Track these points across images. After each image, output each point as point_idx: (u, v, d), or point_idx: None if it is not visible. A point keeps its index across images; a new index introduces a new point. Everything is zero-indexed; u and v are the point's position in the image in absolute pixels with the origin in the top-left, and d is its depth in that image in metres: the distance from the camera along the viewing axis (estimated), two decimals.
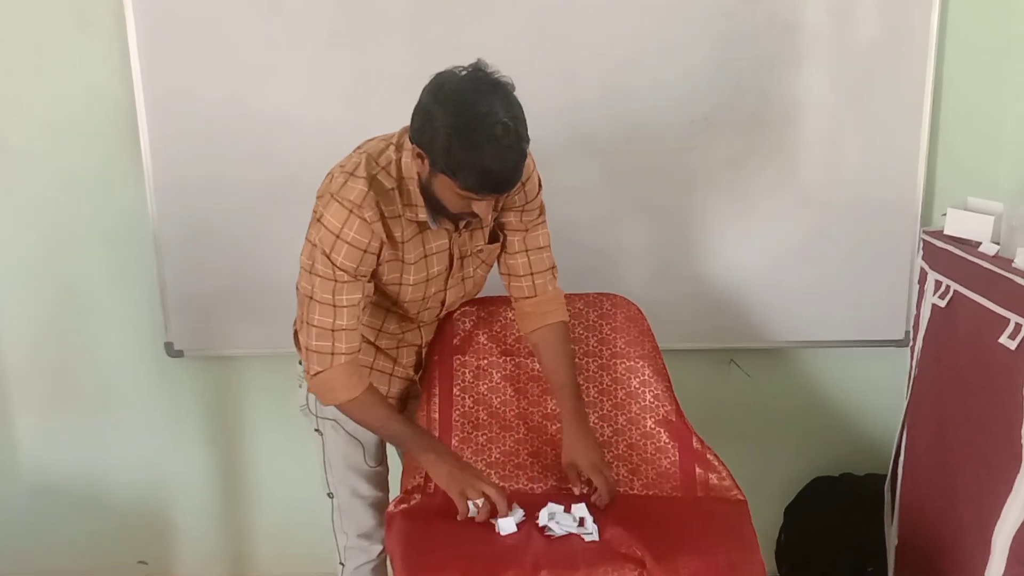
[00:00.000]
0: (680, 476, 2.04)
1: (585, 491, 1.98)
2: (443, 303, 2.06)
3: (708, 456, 2.04)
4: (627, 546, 1.81)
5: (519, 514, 1.90)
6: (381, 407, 1.97)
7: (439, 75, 1.75)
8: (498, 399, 2.09)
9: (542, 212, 2.03)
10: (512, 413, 2.09)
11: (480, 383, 2.10)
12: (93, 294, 2.64)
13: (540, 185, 2.00)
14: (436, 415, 2.07)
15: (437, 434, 2.05)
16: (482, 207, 1.80)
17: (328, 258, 1.81)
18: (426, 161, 1.77)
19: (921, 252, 2.25)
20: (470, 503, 1.88)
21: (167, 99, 2.43)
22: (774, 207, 2.54)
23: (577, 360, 2.12)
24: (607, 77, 2.43)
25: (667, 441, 2.06)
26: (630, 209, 2.55)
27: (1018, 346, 1.81)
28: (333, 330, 1.86)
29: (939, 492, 2.15)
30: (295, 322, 2.14)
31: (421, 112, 1.75)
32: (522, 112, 1.73)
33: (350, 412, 1.96)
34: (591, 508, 1.92)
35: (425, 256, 1.93)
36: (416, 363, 2.15)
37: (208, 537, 2.89)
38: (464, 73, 1.73)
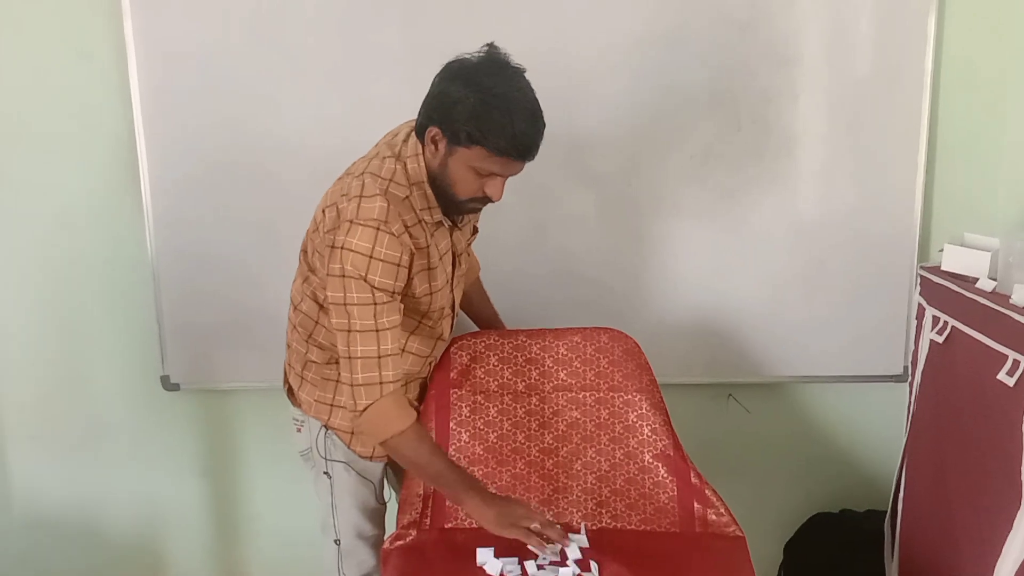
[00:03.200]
0: (679, 512, 2.03)
1: None
2: (453, 306, 2.07)
3: (707, 492, 2.03)
4: None
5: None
6: (428, 443, 1.92)
7: (449, 64, 1.78)
8: (495, 434, 2.08)
9: None
10: (509, 448, 2.08)
11: (477, 418, 2.09)
12: (90, 326, 2.64)
13: None
14: None
15: None
16: (497, 185, 1.81)
17: (364, 281, 1.77)
18: (441, 143, 1.78)
19: (918, 287, 2.24)
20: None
21: (167, 131, 2.44)
22: (772, 241, 2.55)
23: (574, 394, 2.12)
24: (606, 109, 2.45)
25: (665, 476, 2.05)
26: (628, 241, 2.55)
27: (1016, 382, 1.80)
28: (379, 357, 1.81)
29: (939, 529, 2.13)
30: (285, 375, 2.13)
31: (436, 95, 1.78)
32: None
33: (396, 448, 1.89)
34: (591, 544, 1.91)
35: (441, 257, 1.93)
36: (420, 395, 2.14)
37: (203, 572, 2.86)
38: (479, 56, 1.77)
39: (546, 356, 2.15)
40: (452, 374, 2.13)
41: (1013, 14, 2.45)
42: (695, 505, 2.02)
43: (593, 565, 1.86)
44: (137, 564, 2.83)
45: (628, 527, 2.02)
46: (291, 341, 2.09)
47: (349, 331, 1.81)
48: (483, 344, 2.16)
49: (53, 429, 2.72)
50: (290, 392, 2.13)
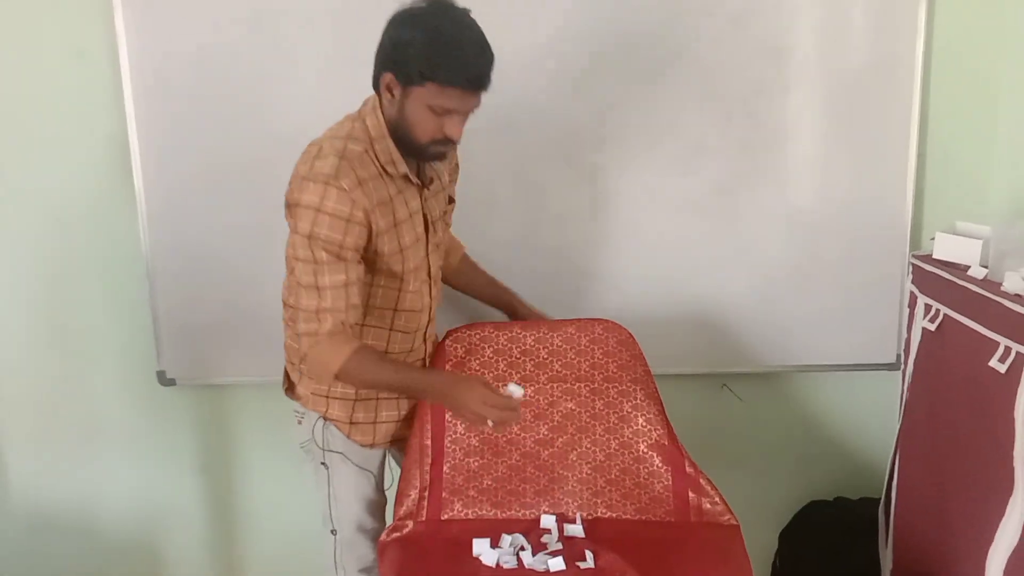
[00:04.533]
0: (674, 501, 2.04)
1: None
2: (430, 274, 2.07)
3: (701, 481, 2.04)
4: (622, 573, 1.81)
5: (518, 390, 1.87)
6: (370, 360, 1.90)
7: (395, 14, 1.83)
8: None
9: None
10: (504, 439, 2.08)
11: None
12: (85, 323, 2.64)
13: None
14: (428, 441, 2.06)
15: (429, 461, 2.05)
16: (455, 122, 1.84)
17: (308, 236, 1.81)
18: (396, 88, 1.83)
19: (911, 276, 2.26)
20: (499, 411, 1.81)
21: (160, 129, 2.44)
22: (764, 232, 2.55)
23: (569, 385, 2.12)
24: (598, 103, 2.45)
25: (660, 465, 2.06)
26: (621, 234, 2.55)
27: (1008, 369, 1.82)
28: (318, 311, 1.83)
29: (933, 516, 2.14)
30: (286, 373, 2.15)
31: (386, 43, 1.84)
32: None
33: (349, 376, 1.88)
34: (587, 534, 1.92)
35: (411, 216, 1.96)
36: None
37: (201, 568, 2.86)
38: (423, 1, 1.82)
39: (541, 347, 2.16)
40: (447, 366, 2.13)
41: (1003, 5, 2.46)
42: (690, 494, 2.04)
43: (588, 555, 1.87)
44: (135, 560, 2.83)
45: (623, 517, 2.03)
46: (287, 339, 2.10)
47: (299, 284, 1.85)
48: (478, 336, 2.17)
49: (49, 426, 2.72)
50: (291, 387, 2.15)
